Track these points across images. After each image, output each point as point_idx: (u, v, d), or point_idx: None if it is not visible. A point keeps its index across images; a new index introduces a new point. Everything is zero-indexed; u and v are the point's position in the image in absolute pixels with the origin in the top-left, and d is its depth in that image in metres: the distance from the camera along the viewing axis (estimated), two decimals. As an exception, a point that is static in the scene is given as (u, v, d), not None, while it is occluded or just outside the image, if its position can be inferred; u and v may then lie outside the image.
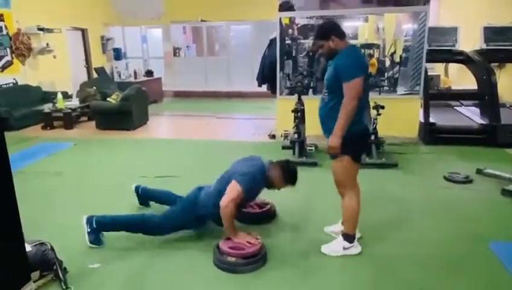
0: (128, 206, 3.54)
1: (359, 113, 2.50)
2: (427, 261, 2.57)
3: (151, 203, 3.47)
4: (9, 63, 7.42)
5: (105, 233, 2.85)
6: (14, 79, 7.47)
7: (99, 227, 2.81)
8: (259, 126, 6.94)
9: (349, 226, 2.67)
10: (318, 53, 2.80)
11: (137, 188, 3.47)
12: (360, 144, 2.66)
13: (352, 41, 7.71)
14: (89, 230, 2.79)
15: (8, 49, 7.34)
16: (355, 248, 2.67)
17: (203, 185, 2.95)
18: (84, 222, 2.81)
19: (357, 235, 2.72)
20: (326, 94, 2.59)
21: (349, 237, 2.66)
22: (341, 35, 2.54)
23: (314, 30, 5.94)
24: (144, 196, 3.45)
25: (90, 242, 2.78)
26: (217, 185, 2.82)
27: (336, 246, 2.68)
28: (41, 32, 7.86)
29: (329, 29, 2.55)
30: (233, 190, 2.60)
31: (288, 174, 2.79)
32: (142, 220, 2.86)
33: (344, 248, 2.64)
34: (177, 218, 2.85)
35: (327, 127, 2.56)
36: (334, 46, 2.51)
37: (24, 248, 1.41)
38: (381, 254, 2.67)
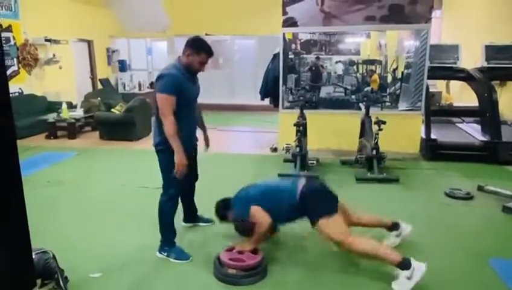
0: (128, 215, 3.56)
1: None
2: (427, 278, 2.57)
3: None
4: (15, 73, 7.51)
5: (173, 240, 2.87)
6: (19, 89, 7.56)
7: (166, 244, 2.84)
8: (262, 139, 6.97)
9: (387, 260, 2.45)
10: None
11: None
12: None
13: (355, 57, 7.81)
14: (165, 254, 2.81)
15: (15, 59, 7.44)
16: (417, 270, 2.34)
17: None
18: (159, 255, 2.83)
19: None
20: None
21: (401, 265, 2.38)
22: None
23: (316, 45, 6.03)
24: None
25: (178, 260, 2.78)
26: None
27: (403, 281, 2.37)
28: (48, 43, 7.97)
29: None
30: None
31: (194, 42, 2.65)
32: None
33: (408, 278, 2.34)
34: None
35: None
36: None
37: (31, 253, 1.43)
38: (380, 270, 2.66)
